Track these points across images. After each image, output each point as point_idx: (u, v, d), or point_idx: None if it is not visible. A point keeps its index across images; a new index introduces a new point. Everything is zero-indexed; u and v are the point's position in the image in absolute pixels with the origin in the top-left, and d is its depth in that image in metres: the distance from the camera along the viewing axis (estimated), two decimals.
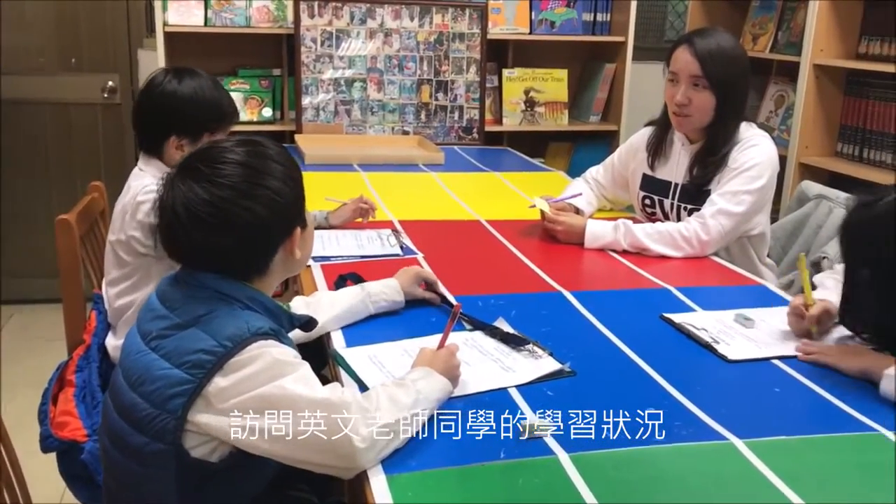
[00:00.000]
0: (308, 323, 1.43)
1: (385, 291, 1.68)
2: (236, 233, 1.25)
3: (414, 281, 1.73)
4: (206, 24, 3.53)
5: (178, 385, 1.19)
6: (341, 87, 3.64)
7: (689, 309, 1.81)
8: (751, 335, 1.66)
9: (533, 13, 3.88)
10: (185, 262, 1.31)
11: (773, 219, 2.49)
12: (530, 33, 3.89)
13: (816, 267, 2.33)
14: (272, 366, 1.19)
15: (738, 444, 1.25)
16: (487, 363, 1.48)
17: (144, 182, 1.87)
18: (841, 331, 1.66)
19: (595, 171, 2.58)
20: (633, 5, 3.85)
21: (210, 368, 1.18)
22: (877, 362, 1.44)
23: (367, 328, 1.63)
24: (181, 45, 3.51)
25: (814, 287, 1.74)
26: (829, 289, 1.72)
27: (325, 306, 1.61)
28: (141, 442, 1.22)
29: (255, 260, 1.30)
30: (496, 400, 1.36)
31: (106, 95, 3.92)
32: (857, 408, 1.38)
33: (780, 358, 1.57)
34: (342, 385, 1.35)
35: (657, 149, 2.39)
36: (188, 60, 3.47)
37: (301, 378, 1.20)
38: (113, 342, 1.93)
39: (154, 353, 1.24)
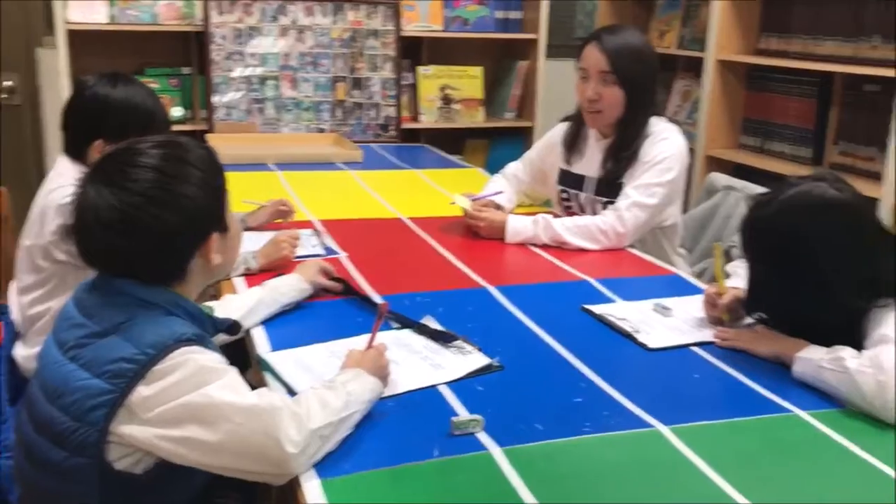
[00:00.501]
0: (232, 327, 1.41)
1: (288, 283, 1.70)
2: (144, 239, 1.21)
3: (315, 271, 1.76)
4: (110, 22, 3.41)
5: (98, 395, 1.15)
6: (254, 85, 3.58)
7: (609, 300, 1.85)
8: (669, 323, 1.71)
9: (446, 10, 3.90)
10: (97, 266, 1.27)
11: (684, 210, 2.57)
12: (444, 30, 3.90)
13: (726, 256, 2.41)
14: (197, 373, 1.16)
15: (664, 430, 1.28)
16: (416, 361, 1.48)
17: (62, 182, 1.81)
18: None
19: (514, 167, 2.61)
20: (545, 4, 3.90)
21: (132, 377, 1.15)
22: (789, 346, 1.51)
23: (292, 331, 1.60)
24: (84, 44, 3.37)
25: (729, 275, 1.81)
26: (741, 277, 1.78)
27: (235, 305, 1.60)
28: (60, 457, 1.18)
29: (167, 266, 1.26)
30: (427, 398, 1.36)
31: (4, 96, 3.74)
32: (773, 390, 1.44)
33: (698, 344, 1.62)
34: (270, 390, 1.33)
35: (572, 144, 2.44)
36: (92, 59, 3.36)
37: (228, 385, 1.17)
38: (23, 352, 1.85)
39: (72, 364, 1.19)
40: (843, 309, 1.50)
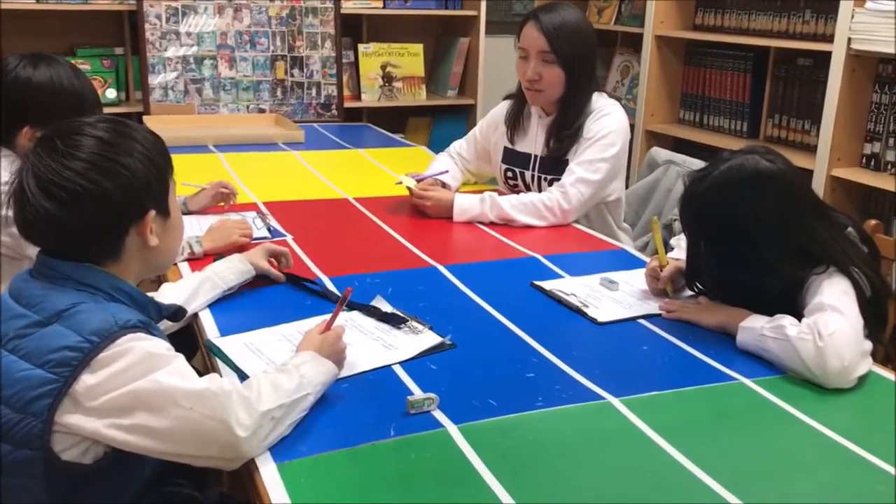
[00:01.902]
0: (177, 312, 1.38)
1: (229, 266, 1.67)
2: (79, 206, 1.19)
3: (260, 254, 1.72)
4: (37, 2, 3.29)
5: (41, 386, 1.12)
6: (190, 65, 3.49)
7: (556, 275, 1.87)
8: (616, 297, 1.74)
9: None
10: (32, 238, 1.24)
11: (626, 185, 2.61)
12: (384, 7, 3.87)
13: (669, 229, 2.45)
14: (144, 359, 1.14)
15: (615, 402, 1.31)
16: (369, 342, 1.47)
17: None
18: None
19: (458, 146, 2.61)
20: None
21: (76, 366, 1.12)
22: (733, 316, 1.54)
23: (241, 316, 1.58)
24: (9, 25, 3.25)
25: (672, 248, 1.84)
26: (683, 249, 1.81)
27: (175, 292, 1.57)
28: (4, 451, 1.14)
29: (101, 240, 1.23)
30: (381, 378, 1.36)
31: None
32: (718, 359, 1.47)
33: (645, 317, 1.65)
34: (220, 375, 1.31)
35: (515, 122, 2.44)
36: (19, 40, 3.24)
37: (176, 370, 1.16)
38: None
39: (12, 355, 1.16)
40: (781, 279, 1.53)
